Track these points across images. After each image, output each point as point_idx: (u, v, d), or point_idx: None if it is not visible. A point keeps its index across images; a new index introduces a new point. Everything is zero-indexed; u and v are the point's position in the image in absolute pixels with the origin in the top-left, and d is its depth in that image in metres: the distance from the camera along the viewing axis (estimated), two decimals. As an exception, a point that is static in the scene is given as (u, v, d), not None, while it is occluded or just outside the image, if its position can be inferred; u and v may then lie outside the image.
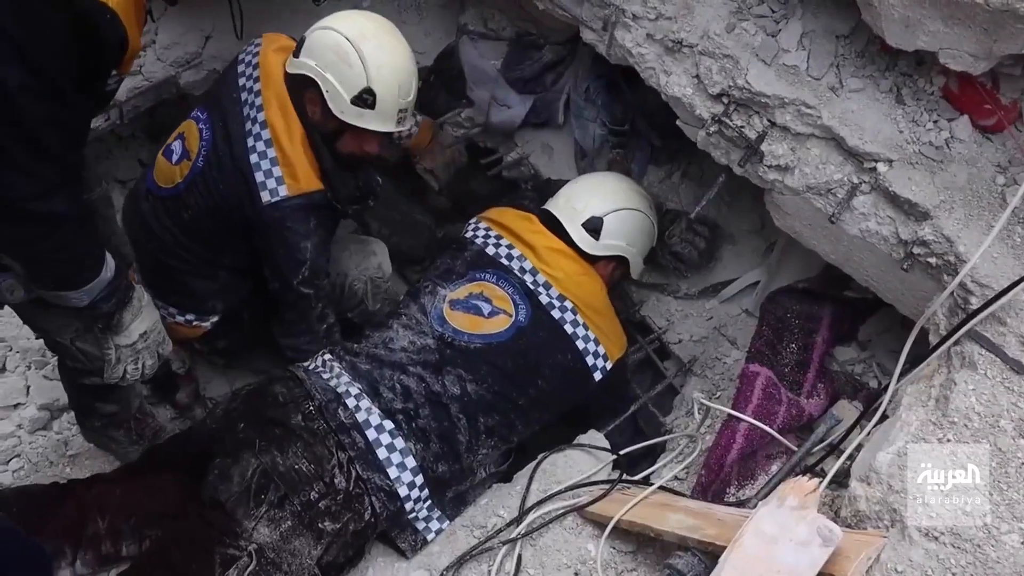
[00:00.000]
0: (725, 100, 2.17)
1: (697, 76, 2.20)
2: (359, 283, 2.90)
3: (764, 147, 2.12)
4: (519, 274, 2.56)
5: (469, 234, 2.74)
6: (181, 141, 2.63)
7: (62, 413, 2.88)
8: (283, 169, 2.43)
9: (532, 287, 2.53)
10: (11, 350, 2.94)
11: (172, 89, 3.15)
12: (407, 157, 3.19)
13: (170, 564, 2.05)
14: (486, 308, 2.48)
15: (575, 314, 2.51)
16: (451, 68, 3.16)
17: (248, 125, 2.47)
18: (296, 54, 2.48)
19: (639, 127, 3.03)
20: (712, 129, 2.20)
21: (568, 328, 2.49)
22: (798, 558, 1.52)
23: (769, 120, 2.11)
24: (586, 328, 2.52)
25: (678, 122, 2.35)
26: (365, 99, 2.40)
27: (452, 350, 2.39)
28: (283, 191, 2.43)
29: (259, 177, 2.43)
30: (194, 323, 2.77)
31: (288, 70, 2.48)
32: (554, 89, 3.09)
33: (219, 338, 2.87)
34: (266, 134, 2.44)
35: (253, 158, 2.44)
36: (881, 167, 1.97)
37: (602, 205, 2.66)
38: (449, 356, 2.37)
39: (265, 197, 2.43)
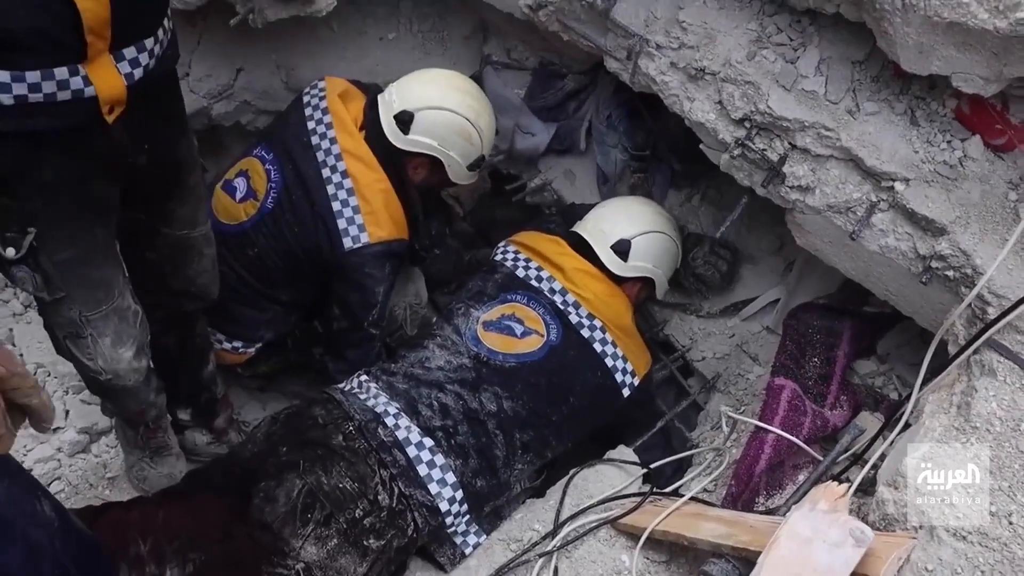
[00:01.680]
0: (747, 124, 2.23)
1: (720, 102, 2.26)
2: (399, 309, 2.98)
3: (786, 169, 2.18)
4: (549, 295, 2.63)
5: (499, 257, 2.81)
6: (245, 179, 2.72)
7: (100, 436, 2.91)
8: (365, 217, 2.56)
9: (562, 307, 2.60)
10: (50, 375, 2.99)
11: (204, 120, 3.24)
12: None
13: None
14: (519, 329, 2.55)
15: (604, 332, 2.58)
16: (475, 97, 3.25)
17: (326, 172, 2.59)
18: (405, 131, 2.62)
19: (660, 152, 3.10)
20: (736, 152, 2.25)
21: (598, 347, 2.56)
22: (832, 558, 1.55)
23: (790, 143, 2.17)
24: (614, 346, 2.58)
25: (701, 146, 2.41)
26: (478, 163, 2.76)
27: (488, 369, 2.45)
28: (364, 238, 2.56)
29: (341, 224, 2.56)
30: (240, 350, 2.84)
31: (400, 147, 2.64)
32: (576, 116, 3.17)
33: (260, 363, 2.94)
34: (348, 183, 2.57)
35: (335, 206, 2.57)
36: (898, 185, 2.02)
37: (630, 228, 2.74)
38: (485, 374, 2.43)
39: (347, 243, 2.56)
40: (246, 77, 3.23)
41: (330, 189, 2.57)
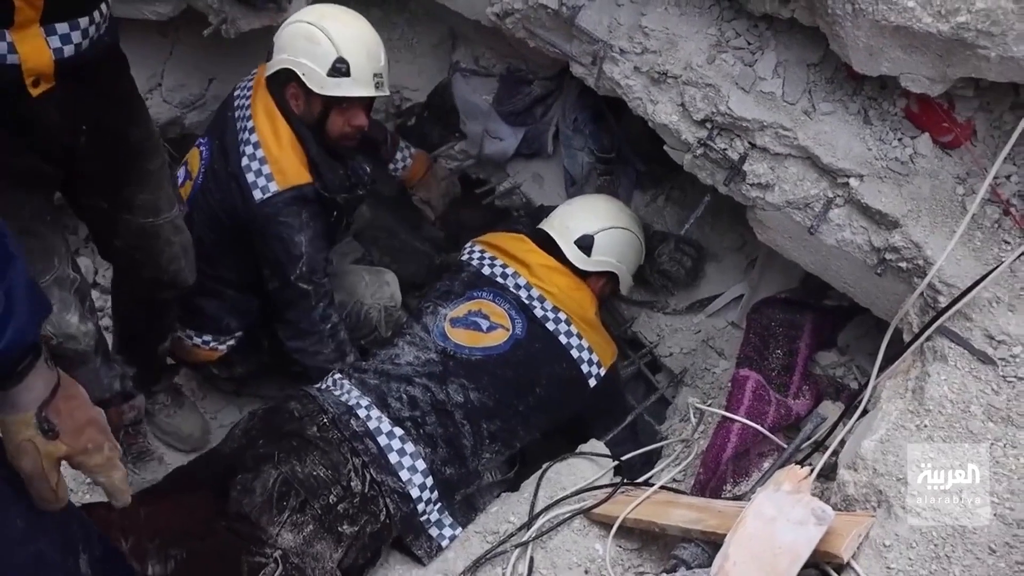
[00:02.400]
0: (709, 125, 2.28)
1: (682, 104, 2.32)
2: (374, 311, 3.00)
3: (746, 167, 2.24)
4: (514, 291, 2.68)
5: (465, 257, 2.86)
6: (184, 166, 2.75)
7: (82, 443, 2.93)
8: (272, 167, 2.53)
9: (527, 302, 2.65)
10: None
11: (177, 129, 3.29)
12: (404, 189, 3.33)
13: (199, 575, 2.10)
14: (484, 324, 2.60)
15: (569, 325, 2.63)
16: (444, 104, 3.30)
17: (240, 135, 2.58)
18: (268, 59, 2.60)
19: (625, 154, 3.15)
20: (698, 152, 2.31)
21: (563, 339, 2.61)
22: (796, 536, 1.61)
23: (750, 142, 2.24)
24: (580, 338, 2.63)
25: (665, 147, 2.46)
26: (339, 68, 2.52)
27: (455, 362, 2.50)
28: (273, 187, 2.52)
29: (250, 178, 2.53)
30: (211, 344, 2.85)
31: (265, 75, 2.60)
32: (543, 121, 3.22)
33: (236, 364, 2.95)
34: (254, 138, 2.55)
35: (244, 161, 2.54)
36: (853, 182, 2.09)
37: (593, 224, 2.80)
38: (452, 367, 2.48)
39: (257, 195, 2.52)
40: (218, 87, 3.26)
41: (241, 148, 2.57)
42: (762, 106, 2.20)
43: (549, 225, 2.87)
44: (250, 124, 2.58)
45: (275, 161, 2.53)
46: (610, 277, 2.86)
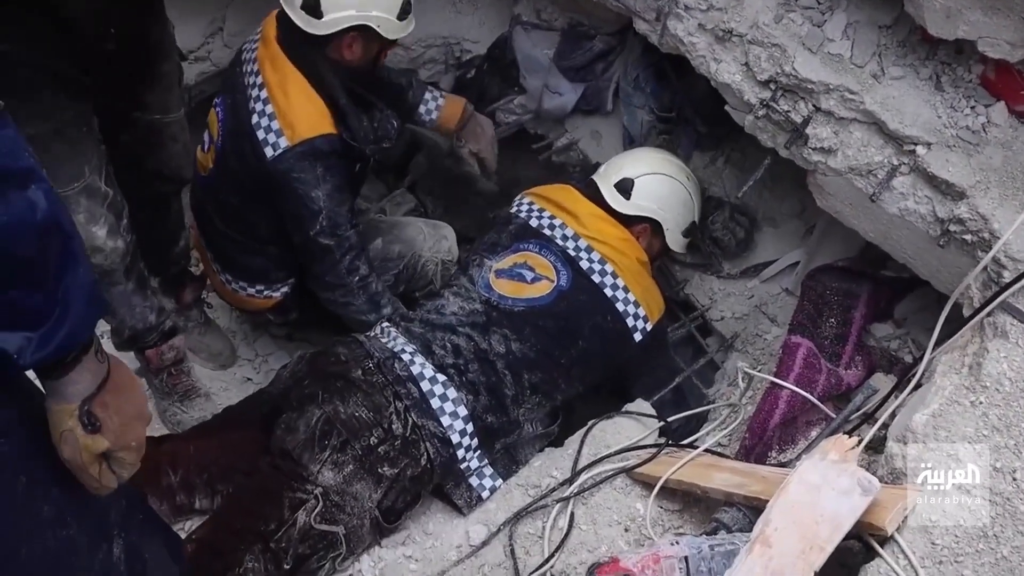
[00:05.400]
0: (772, 86, 2.24)
1: (746, 64, 2.28)
2: (431, 264, 2.99)
3: (809, 130, 2.19)
4: (561, 242, 2.66)
5: (514, 209, 2.85)
6: (207, 130, 2.73)
7: (129, 381, 3.01)
8: (280, 121, 2.47)
9: (573, 253, 2.63)
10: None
11: (237, 74, 3.30)
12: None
13: (242, 509, 2.15)
14: (529, 275, 2.59)
15: (615, 278, 2.60)
16: (504, 57, 3.27)
17: (250, 91, 2.54)
18: (317, 15, 2.45)
19: (685, 114, 3.10)
20: (760, 113, 2.28)
21: (608, 291, 2.58)
22: (839, 505, 1.60)
23: (814, 105, 2.19)
24: (626, 291, 2.59)
25: (727, 107, 2.43)
26: (407, 9, 2.56)
27: (498, 312, 2.51)
28: (283, 143, 2.46)
29: (261, 135, 2.48)
30: (265, 293, 2.88)
31: (316, 32, 2.47)
32: (604, 77, 3.18)
33: (291, 310, 2.97)
34: (263, 94, 2.50)
35: (254, 119, 2.49)
36: (920, 150, 2.04)
37: (636, 169, 2.77)
38: (495, 318, 2.49)
39: (269, 152, 2.48)
40: (279, 33, 3.26)
41: (251, 104, 2.52)
42: (829, 68, 2.15)
43: (596, 173, 2.85)
44: (259, 80, 2.53)
45: (283, 115, 2.48)
46: (654, 228, 2.79)
